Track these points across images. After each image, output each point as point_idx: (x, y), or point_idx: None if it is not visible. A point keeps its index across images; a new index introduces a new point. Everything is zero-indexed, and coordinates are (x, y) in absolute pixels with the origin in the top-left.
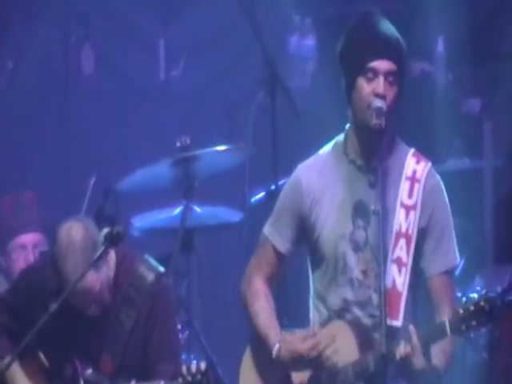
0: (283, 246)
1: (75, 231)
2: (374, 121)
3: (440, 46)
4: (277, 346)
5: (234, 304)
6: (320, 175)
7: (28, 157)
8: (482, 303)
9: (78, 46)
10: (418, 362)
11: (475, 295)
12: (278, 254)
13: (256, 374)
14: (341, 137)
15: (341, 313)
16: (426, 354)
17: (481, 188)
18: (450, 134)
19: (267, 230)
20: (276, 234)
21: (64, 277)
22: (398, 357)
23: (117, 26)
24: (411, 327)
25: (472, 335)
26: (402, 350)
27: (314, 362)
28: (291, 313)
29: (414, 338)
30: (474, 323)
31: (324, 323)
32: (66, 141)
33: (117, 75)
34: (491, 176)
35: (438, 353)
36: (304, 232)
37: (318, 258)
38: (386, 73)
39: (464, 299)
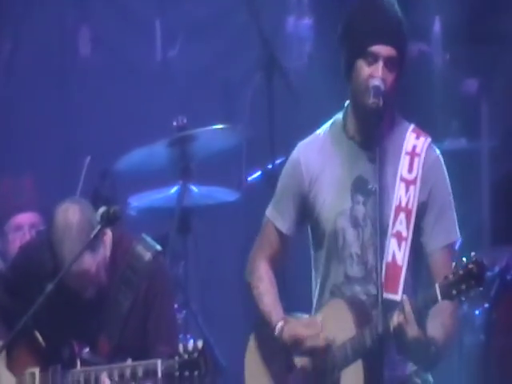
0: (285, 226)
1: (71, 214)
2: (372, 99)
3: (437, 27)
4: (279, 325)
5: (230, 284)
6: (319, 153)
7: (25, 138)
8: (471, 266)
9: (75, 28)
10: (412, 330)
11: (464, 259)
12: (280, 234)
13: (260, 359)
14: (340, 115)
15: (341, 288)
16: (421, 323)
17: (478, 168)
18: (447, 115)
19: (269, 211)
20: (277, 215)
21: (61, 260)
22: (391, 327)
23: (113, 7)
24: (404, 296)
25: (463, 299)
26: (395, 319)
27: (313, 350)
28: (290, 296)
29: (407, 307)
30: (463, 287)
31: (325, 302)
32: (62, 122)
33: (114, 57)
34: (488, 156)
35: (437, 325)
36: (305, 211)
37: (318, 236)
38: (386, 58)
39: (454, 264)
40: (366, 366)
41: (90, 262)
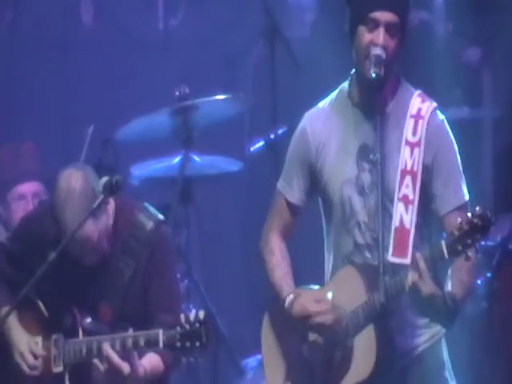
0: (295, 196)
1: (75, 179)
2: (373, 69)
3: None
4: (290, 297)
5: (233, 253)
6: (325, 121)
7: (27, 107)
8: (476, 220)
9: None
10: (427, 286)
11: (469, 214)
12: (290, 205)
13: (276, 331)
14: (346, 83)
15: (351, 257)
16: (435, 278)
17: (480, 137)
18: (449, 84)
19: (279, 183)
20: (287, 186)
21: (63, 225)
22: (407, 287)
23: None
24: (418, 254)
25: (470, 254)
26: (409, 278)
27: (321, 326)
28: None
29: (421, 263)
30: (469, 241)
31: (336, 270)
32: (65, 91)
33: (115, 26)
34: (491, 125)
35: (455, 282)
36: (314, 180)
37: (327, 206)
38: (386, 24)
39: (459, 220)
40: (378, 330)
41: (93, 228)
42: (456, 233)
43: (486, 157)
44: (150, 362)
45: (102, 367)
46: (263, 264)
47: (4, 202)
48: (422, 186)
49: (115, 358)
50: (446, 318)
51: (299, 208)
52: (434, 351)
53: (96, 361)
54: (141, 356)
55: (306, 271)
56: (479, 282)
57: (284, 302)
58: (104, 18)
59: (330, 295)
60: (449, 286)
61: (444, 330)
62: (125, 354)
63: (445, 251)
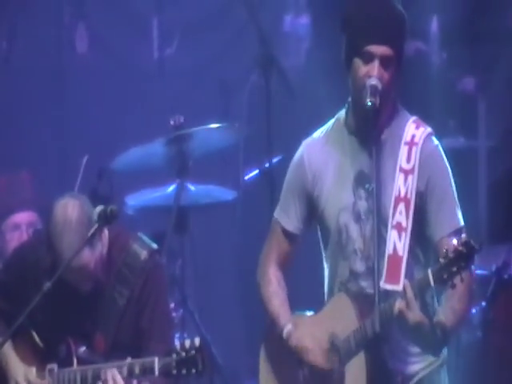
0: (292, 225)
1: (71, 209)
2: (368, 98)
3: (434, 25)
4: (287, 328)
5: (227, 282)
6: (322, 150)
7: (22, 136)
8: (461, 248)
9: (72, 26)
10: (414, 315)
11: (455, 241)
12: (288, 234)
13: (272, 363)
14: (342, 111)
15: (347, 284)
16: (423, 307)
17: (475, 167)
18: (444, 114)
19: (276, 212)
20: (284, 214)
21: (59, 254)
22: (394, 314)
23: (111, 5)
24: (405, 281)
25: (455, 282)
26: (397, 305)
27: (315, 365)
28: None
29: (409, 292)
30: (454, 269)
31: (332, 296)
32: (60, 120)
33: (110, 54)
34: (486, 155)
35: (446, 310)
36: (311, 208)
37: (325, 233)
38: (381, 57)
39: (445, 249)
40: (368, 358)
41: (89, 256)
42: (442, 261)
43: (481, 186)
44: None
45: None
46: (259, 293)
47: None
48: (416, 212)
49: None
50: (433, 347)
51: (296, 236)
52: (433, 380)
53: None
54: None
55: (306, 293)
56: (474, 311)
57: (282, 330)
58: (99, 46)
59: (328, 332)
60: (440, 314)
61: (444, 359)
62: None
63: (431, 279)
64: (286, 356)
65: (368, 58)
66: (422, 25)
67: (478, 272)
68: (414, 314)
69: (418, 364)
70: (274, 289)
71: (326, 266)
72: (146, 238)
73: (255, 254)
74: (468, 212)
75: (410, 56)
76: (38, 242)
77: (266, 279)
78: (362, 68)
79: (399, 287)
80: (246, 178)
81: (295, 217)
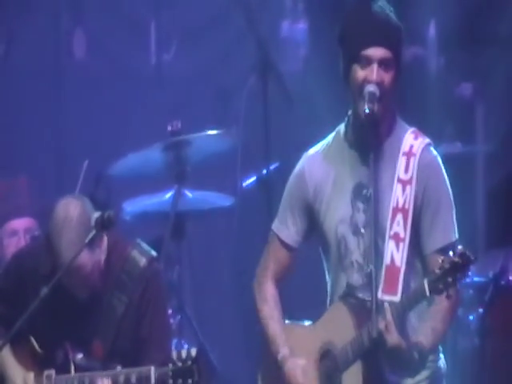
0: (291, 238)
1: (73, 208)
2: (366, 105)
3: (432, 30)
4: (282, 353)
5: (225, 289)
6: (323, 163)
7: (20, 142)
8: (457, 259)
9: (70, 31)
10: (392, 338)
11: (451, 253)
12: (286, 246)
13: (273, 370)
14: (342, 125)
15: (346, 296)
16: (403, 329)
17: (473, 173)
18: (442, 119)
19: (274, 224)
20: (282, 227)
21: (57, 252)
22: (374, 334)
23: (109, 10)
24: (386, 304)
25: (450, 293)
26: (377, 325)
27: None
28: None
29: (388, 315)
30: (450, 280)
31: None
32: (58, 126)
33: (108, 60)
34: (483, 161)
35: (427, 330)
36: (312, 221)
37: (325, 245)
38: (379, 60)
39: (441, 259)
40: (365, 367)
41: (87, 258)
42: (437, 271)
43: (479, 192)
44: None
45: None
46: (255, 304)
47: None
48: (414, 223)
49: None
50: (409, 368)
51: (294, 249)
52: None
53: None
54: None
55: (311, 302)
56: (471, 317)
57: (277, 353)
58: (96, 51)
59: (323, 342)
60: (419, 333)
61: (444, 371)
62: None
63: (426, 289)
64: (283, 376)
65: (366, 62)
66: (419, 30)
67: (476, 278)
68: (393, 338)
69: (417, 376)
70: (270, 310)
71: (328, 278)
72: (145, 245)
73: (252, 259)
74: (465, 217)
75: (408, 61)
76: (36, 247)
77: (262, 296)
78: (359, 73)
79: (397, 298)
80: (244, 184)
81: (295, 230)
